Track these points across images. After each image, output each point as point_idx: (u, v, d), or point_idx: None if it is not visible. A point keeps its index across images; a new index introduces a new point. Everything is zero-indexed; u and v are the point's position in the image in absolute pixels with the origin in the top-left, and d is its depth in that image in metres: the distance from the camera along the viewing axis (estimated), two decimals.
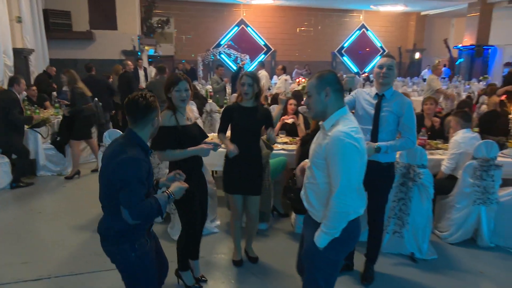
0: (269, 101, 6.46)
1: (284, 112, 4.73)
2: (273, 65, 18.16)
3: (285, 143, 4.58)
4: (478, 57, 16.44)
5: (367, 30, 20.34)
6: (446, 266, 3.43)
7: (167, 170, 3.07)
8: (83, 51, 10.61)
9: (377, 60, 21.16)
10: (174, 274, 2.99)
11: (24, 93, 6.37)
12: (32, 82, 8.03)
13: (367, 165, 2.04)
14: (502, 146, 4.27)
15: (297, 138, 4.66)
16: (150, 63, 13.30)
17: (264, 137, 3.48)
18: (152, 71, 11.42)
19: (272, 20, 18.62)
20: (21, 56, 8.03)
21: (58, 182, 5.58)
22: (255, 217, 3.30)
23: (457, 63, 17.60)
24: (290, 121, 4.82)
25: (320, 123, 2.08)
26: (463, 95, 9.94)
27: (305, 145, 3.61)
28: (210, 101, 7.76)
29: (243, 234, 3.45)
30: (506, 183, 3.86)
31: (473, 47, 16.31)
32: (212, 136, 4.33)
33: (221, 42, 17.88)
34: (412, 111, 2.87)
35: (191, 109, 3.14)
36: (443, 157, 4.05)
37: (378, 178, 2.90)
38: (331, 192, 1.93)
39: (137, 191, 1.92)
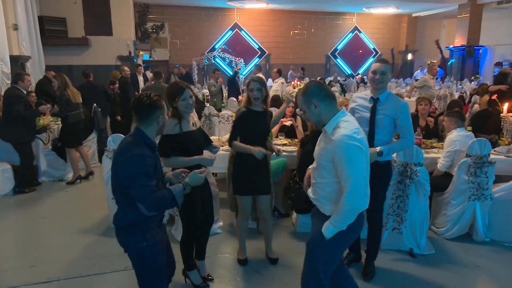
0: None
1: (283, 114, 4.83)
2: (267, 68, 18.30)
3: (284, 144, 4.68)
4: (469, 57, 16.70)
5: (359, 32, 20.58)
6: (444, 260, 3.54)
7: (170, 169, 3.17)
8: (78, 57, 10.63)
9: (370, 62, 21.44)
10: (181, 274, 3.07)
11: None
12: (30, 89, 8.03)
13: None
14: (494, 144, 4.41)
15: (296, 140, 4.77)
16: (145, 68, 13.35)
17: None
18: (149, 76, 11.46)
19: (265, 23, 18.76)
20: (18, 63, 8.06)
21: (59, 187, 5.63)
22: (269, 216, 3.38)
23: (448, 63, 17.85)
24: (288, 123, 4.93)
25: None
26: (456, 95, 10.13)
27: (305, 146, 3.72)
28: (207, 105, 7.83)
29: (259, 236, 3.56)
30: (499, 179, 3.97)
31: (464, 47, 16.57)
32: (213, 139, 4.40)
33: (216, 46, 17.98)
34: (408, 112, 2.96)
35: (194, 112, 3.23)
36: (438, 156, 4.17)
37: (376, 176, 2.98)
38: (343, 192, 2.06)
39: (146, 184, 2.04)
